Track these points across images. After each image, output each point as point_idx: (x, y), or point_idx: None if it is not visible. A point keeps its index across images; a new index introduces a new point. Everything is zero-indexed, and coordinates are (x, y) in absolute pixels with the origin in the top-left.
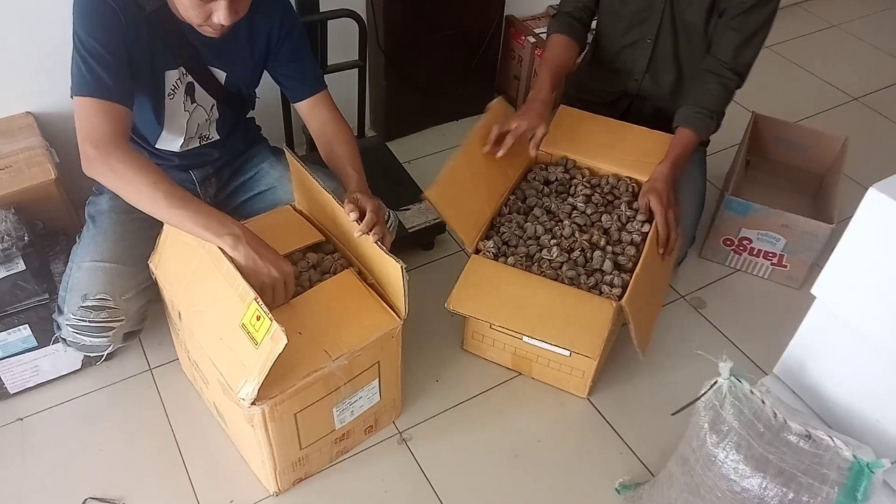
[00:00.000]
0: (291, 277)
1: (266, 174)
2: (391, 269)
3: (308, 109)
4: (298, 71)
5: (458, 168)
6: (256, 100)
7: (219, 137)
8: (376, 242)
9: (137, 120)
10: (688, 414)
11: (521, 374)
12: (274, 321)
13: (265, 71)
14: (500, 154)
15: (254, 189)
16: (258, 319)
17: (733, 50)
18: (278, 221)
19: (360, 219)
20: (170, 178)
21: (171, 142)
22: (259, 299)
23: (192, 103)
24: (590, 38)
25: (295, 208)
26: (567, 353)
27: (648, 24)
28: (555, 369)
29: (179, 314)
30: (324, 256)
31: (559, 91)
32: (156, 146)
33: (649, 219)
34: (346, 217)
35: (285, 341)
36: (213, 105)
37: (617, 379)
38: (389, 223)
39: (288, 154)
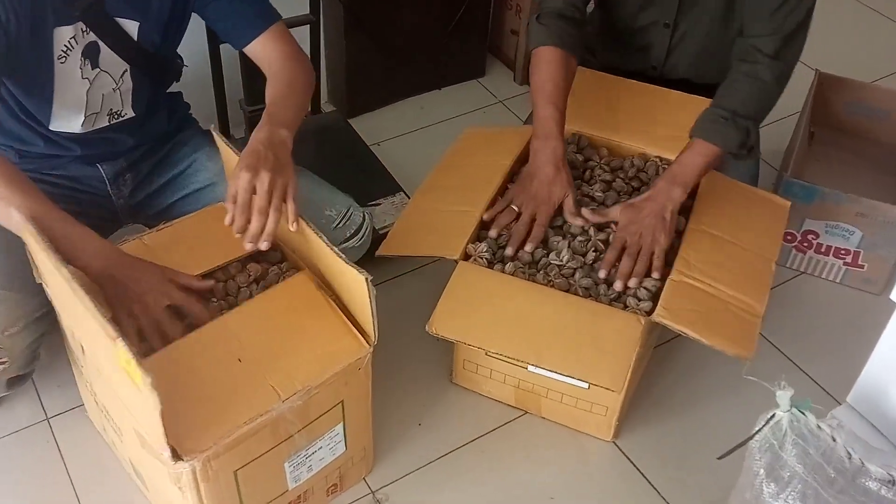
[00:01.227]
0: (168, 287)
1: (202, 168)
2: (353, 283)
3: (259, 51)
4: (236, 5)
5: (419, 205)
6: (184, 68)
7: (134, 115)
8: (249, 244)
9: (22, 95)
10: (738, 457)
11: (527, 412)
12: (139, 369)
13: (195, 17)
14: (529, 248)
15: (187, 187)
16: (128, 363)
17: (768, 18)
18: (208, 224)
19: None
20: (27, 178)
21: (67, 120)
22: (121, 339)
23: (92, 69)
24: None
25: None
26: (585, 384)
27: (664, 7)
28: (570, 405)
29: (82, 347)
30: (269, 267)
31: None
32: (50, 128)
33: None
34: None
35: (157, 398)
36: (125, 71)
37: (649, 416)
38: (363, 227)
39: (217, 138)
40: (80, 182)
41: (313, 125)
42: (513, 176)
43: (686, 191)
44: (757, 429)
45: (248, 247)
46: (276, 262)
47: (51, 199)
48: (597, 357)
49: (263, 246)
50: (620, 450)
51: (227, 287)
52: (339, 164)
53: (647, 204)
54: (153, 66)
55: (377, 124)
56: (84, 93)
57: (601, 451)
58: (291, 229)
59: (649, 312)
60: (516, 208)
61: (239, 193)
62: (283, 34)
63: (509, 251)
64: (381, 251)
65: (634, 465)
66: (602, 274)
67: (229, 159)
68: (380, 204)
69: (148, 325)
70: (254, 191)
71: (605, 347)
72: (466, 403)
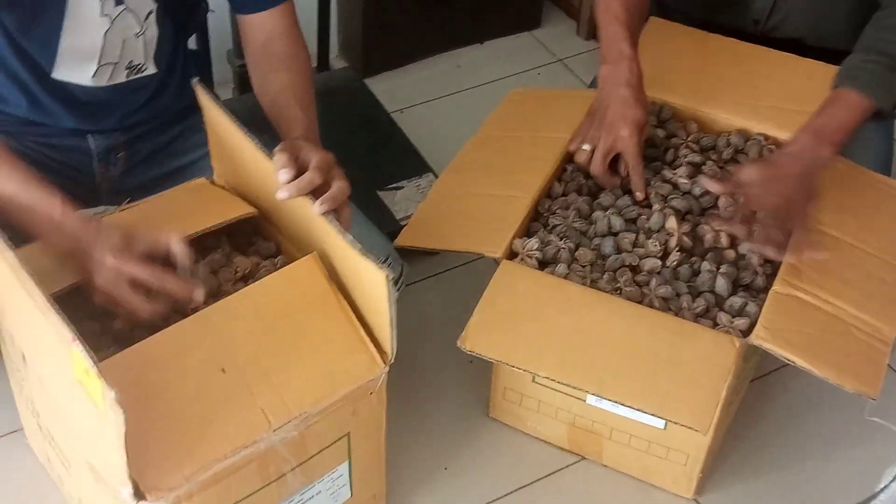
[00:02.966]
0: (123, 259)
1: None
2: (369, 282)
3: (263, 22)
4: None
5: (450, 187)
6: (210, 13)
7: (155, 71)
8: (325, 215)
9: (19, 34)
10: None
11: (583, 458)
12: (101, 380)
13: None
14: (640, 193)
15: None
16: (87, 374)
17: None
18: (184, 203)
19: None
20: None
21: (75, 68)
22: (79, 342)
23: (116, 4)
24: None
25: (215, 183)
26: (660, 423)
27: None
28: (640, 450)
29: (23, 355)
30: (260, 262)
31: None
32: (53, 76)
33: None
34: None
35: (121, 417)
36: (152, 11)
37: (742, 467)
38: (398, 282)
39: (200, 94)
40: (59, 151)
41: (320, 86)
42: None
43: (836, 152)
44: (882, 486)
45: (319, 207)
46: (270, 255)
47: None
48: (677, 388)
49: (318, 209)
50: None
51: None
52: (352, 135)
53: (787, 161)
54: (181, 7)
55: (401, 86)
56: (101, 35)
57: None
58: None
59: (746, 332)
60: (588, 146)
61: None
62: (293, 10)
63: (605, 199)
64: (400, 241)
65: None
66: (724, 240)
67: (216, 123)
68: (402, 187)
69: (123, 310)
70: (304, 162)
71: (687, 376)
72: (506, 444)
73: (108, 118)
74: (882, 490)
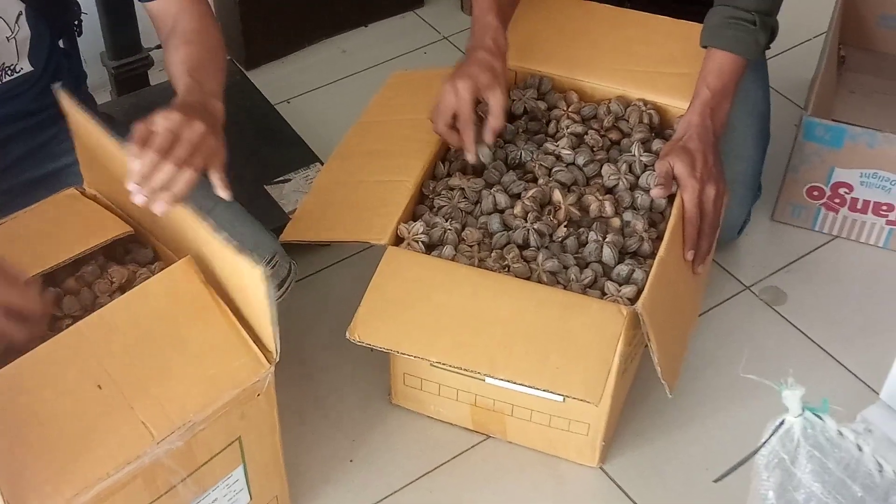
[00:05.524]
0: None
1: None
2: (247, 280)
3: (168, 6)
4: None
5: (334, 175)
6: (82, 16)
7: (32, 69)
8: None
9: None
10: (744, 477)
11: (489, 436)
12: None
13: None
14: (470, 154)
15: (65, 190)
16: None
17: None
18: (56, 216)
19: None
20: None
21: None
22: None
23: None
24: None
25: (86, 193)
26: (559, 397)
27: None
28: (542, 424)
29: None
30: (137, 270)
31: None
32: None
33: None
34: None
35: None
36: (21, 13)
37: (645, 432)
38: (287, 281)
39: (62, 98)
40: None
41: None
42: None
43: (723, 115)
44: (762, 441)
45: (139, 200)
46: (147, 262)
47: None
48: (567, 361)
49: (158, 208)
50: (609, 477)
51: (80, 299)
52: (235, 131)
53: (694, 135)
54: (52, 5)
55: (285, 76)
56: None
57: (585, 480)
58: (224, 196)
59: (633, 300)
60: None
61: (160, 131)
62: None
63: (469, 157)
64: (286, 235)
65: (627, 496)
66: (689, 256)
67: (82, 130)
68: (290, 180)
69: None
70: (175, 139)
71: (577, 348)
72: (411, 430)
73: None
74: (761, 445)
